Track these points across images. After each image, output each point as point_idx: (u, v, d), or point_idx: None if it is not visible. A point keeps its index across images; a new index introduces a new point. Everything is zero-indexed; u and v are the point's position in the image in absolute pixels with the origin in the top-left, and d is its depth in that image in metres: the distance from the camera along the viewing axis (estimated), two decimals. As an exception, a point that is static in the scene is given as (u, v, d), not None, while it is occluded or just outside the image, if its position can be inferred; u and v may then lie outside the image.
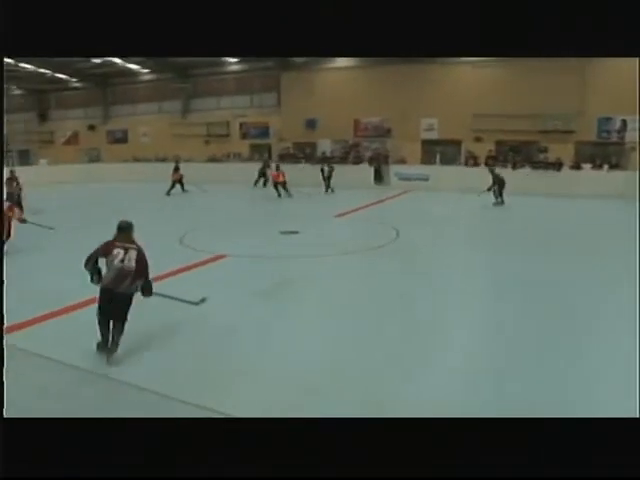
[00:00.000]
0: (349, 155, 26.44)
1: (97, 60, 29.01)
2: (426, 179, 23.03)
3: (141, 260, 6.02)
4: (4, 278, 3.13)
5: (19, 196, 16.13)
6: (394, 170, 23.50)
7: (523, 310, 7.42)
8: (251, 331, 7.07)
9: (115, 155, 32.22)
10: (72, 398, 4.91)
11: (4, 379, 2.48)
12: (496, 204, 18.18)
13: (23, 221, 11.91)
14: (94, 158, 34.22)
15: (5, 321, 2.96)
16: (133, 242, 6.13)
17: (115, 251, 5.94)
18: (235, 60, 29.66)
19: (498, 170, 18.88)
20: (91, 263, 5.95)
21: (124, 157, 31.26)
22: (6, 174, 16.71)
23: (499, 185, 18.15)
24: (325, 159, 25.89)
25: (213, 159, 29.63)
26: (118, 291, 5.83)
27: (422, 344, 6.48)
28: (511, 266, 9.93)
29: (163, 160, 30.29)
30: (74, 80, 35.40)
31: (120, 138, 34.98)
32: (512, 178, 20.34)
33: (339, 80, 27.00)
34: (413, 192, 21.59)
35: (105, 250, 5.98)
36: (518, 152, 23.13)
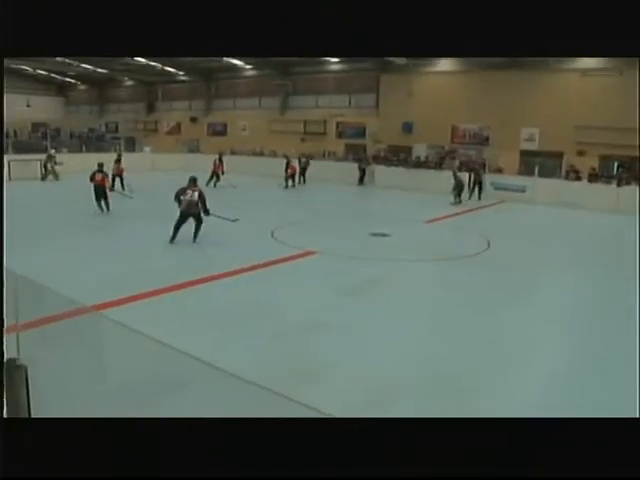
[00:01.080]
0: (444, 161, 26.06)
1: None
2: (523, 190, 22.33)
3: (201, 196, 12.03)
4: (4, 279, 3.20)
5: (121, 175, 20.89)
6: (490, 179, 22.94)
7: (611, 337, 7.10)
8: (337, 327, 7.18)
9: (214, 147, 33.24)
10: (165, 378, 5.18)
11: (4, 379, 2.49)
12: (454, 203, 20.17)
13: (111, 189, 17.25)
14: (194, 148, 35.47)
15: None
16: (197, 187, 12.17)
17: (187, 192, 11.98)
18: (336, 60, 29.88)
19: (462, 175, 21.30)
20: (176, 198, 12.06)
21: (222, 149, 32.21)
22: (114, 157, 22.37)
23: (458, 187, 20.68)
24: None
25: (308, 157, 30.00)
26: (189, 212, 11.98)
27: (502, 357, 6.37)
28: (608, 290, 9.50)
29: (260, 154, 31.02)
30: (181, 73, 36.85)
31: (220, 131, 36.09)
32: (615, 195, 19.39)
33: (439, 84, 26.64)
34: (508, 203, 21.01)
35: (182, 192, 12.05)
36: (627, 168, 21.95)
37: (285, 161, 25.23)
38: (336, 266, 10.49)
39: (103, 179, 16.57)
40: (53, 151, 27.12)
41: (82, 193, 16.62)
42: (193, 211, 11.90)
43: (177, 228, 11.86)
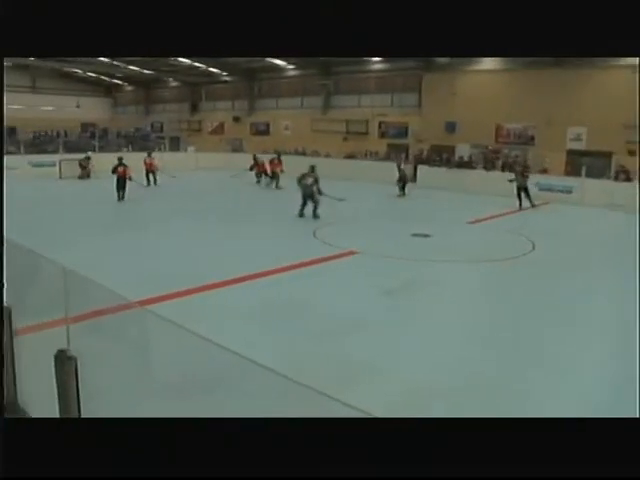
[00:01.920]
0: (487, 161, 25.68)
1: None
2: (570, 191, 21.83)
3: (316, 180, 15.28)
4: (4, 280, 3.21)
5: (151, 170, 23.93)
6: (535, 180, 22.48)
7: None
8: (376, 327, 7.18)
9: (256, 146, 33.53)
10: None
11: (4, 379, 2.49)
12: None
13: (129, 178, 19.23)
14: (237, 148, 35.86)
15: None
16: (314, 174, 15.44)
17: (308, 177, 15.30)
18: (378, 59, 29.78)
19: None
20: (298, 183, 15.43)
21: (265, 148, 32.46)
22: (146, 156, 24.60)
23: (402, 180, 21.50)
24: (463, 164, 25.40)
25: (351, 156, 29.99)
26: (306, 193, 15.24)
27: (542, 362, 6.26)
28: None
29: (302, 154, 31.15)
30: (224, 74, 37.29)
31: (262, 130, 36.38)
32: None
33: (482, 83, 26.27)
34: (554, 204, 20.57)
35: (302, 178, 15.40)
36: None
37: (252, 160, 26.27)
38: (377, 266, 10.46)
39: (124, 171, 19.25)
40: (90, 153, 28.65)
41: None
42: (309, 192, 15.31)
43: (303, 206, 15.47)
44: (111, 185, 19.13)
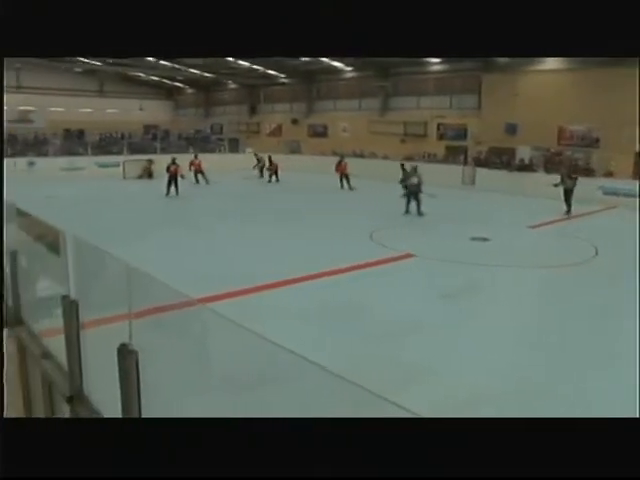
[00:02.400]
0: (548, 164, 25.01)
1: (305, 57, 30.61)
2: (637, 195, 21.02)
3: (419, 180, 16.68)
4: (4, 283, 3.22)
5: (199, 170, 25.77)
6: (599, 183, 21.75)
7: None
8: (432, 330, 7.11)
9: (314, 148, 33.75)
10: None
11: (4, 379, 2.50)
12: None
13: (182, 176, 21.77)
14: (294, 149, 36.17)
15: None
16: (417, 174, 16.92)
17: (413, 177, 16.74)
18: (437, 60, 29.46)
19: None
20: (402, 182, 17.11)
21: (322, 150, 32.61)
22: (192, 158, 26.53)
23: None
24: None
25: (409, 158, 29.74)
26: (412, 191, 16.64)
27: (598, 368, 6.05)
28: None
29: (360, 156, 31.14)
30: (282, 76, 37.67)
31: (320, 132, 36.55)
32: None
33: (545, 83, 25.59)
34: (620, 208, 19.84)
35: (406, 177, 17.01)
36: None
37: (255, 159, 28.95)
38: (434, 270, 10.36)
39: (176, 169, 21.65)
40: (151, 157, 30.19)
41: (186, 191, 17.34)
42: (414, 190, 16.77)
43: (408, 203, 16.94)
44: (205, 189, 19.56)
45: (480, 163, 26.39)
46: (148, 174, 28.30)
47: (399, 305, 8.10)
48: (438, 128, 30.16)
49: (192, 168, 25.62)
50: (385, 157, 30.00)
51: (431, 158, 29.27)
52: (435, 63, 29.93)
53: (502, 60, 25.43)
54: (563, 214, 17.92)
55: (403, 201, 16.99)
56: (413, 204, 16.93)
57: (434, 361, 6.11)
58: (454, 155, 28.28)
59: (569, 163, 23.30)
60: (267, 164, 28.23)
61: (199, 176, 25.61)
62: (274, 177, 27.29)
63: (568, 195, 18.39)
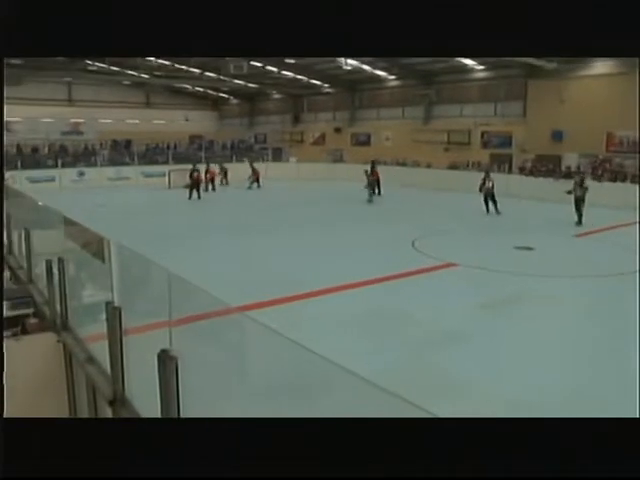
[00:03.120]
0: (597, 171, 24.38)
1: (348, 67, 30.72)
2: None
3: (493, 184, 19.32)
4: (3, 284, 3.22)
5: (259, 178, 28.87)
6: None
7: None
8: (475, 341, 7.00)
9: (357, 157, 33.76)
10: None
11: (4, 379, 2.49)
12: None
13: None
14: (337, 158, 36.25)
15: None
16: (491, 178, 19.44)
17: (488, 182, 19.36)
18: (481, 67, 29.18)
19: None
20: (480, 188, 19.70)
21: (365, 159, 32.60)
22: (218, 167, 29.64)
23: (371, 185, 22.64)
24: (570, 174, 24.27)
25: (452, 167, 29.45)
26: (487, 194, 19.31)
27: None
28: None
29: (403, 164, 31.01)
30: (325, 85, 37.86)
31: (363, 141, 36.54)
32: None
33: (593, 88, 24.99)
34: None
35: (483, 182, 19.43)
36: None
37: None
38: (477, 279, 10.22)
39: (199, 176, 24.82)
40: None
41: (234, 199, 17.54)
42: (489, 193, 19.26)
43: (487, 205, 19.46)
44: (216, 195, 19.90)
45: (525, 171, 25.94)
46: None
47: (441, 315, 8.02)
48: (482, 136, 29.78)
49: (208, 176, 27.37)
50: (428, 166, 29.79)
51: (475, 167, 28.91)
52: (479, 70, 29.65)
53: (548, 66, 24.98)
54: (575, 225, 17.04)
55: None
56: (491, 205, 19.32)
57: (474, 372, 6.01)
58: (498, 163, 27.87)
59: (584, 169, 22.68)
60: (368, 172, 24.88)
61: (210, 184, 27.42)
62: (377, 189, 24.39)
63: (579, 204, 17.45)
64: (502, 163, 27.64)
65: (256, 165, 30.44)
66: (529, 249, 12.98)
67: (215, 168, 29.14)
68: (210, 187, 27.41)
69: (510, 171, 26.66)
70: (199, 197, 24.24)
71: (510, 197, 21.54)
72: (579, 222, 17.22)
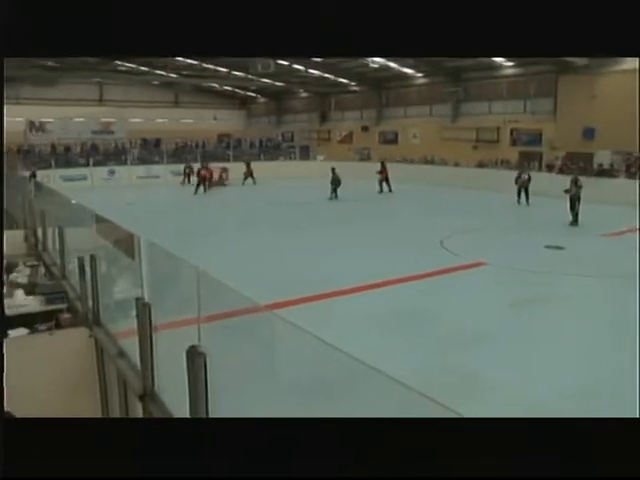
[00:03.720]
0: (631, 168, 23.91)
1: (375, 65, 30.62)
2: None
3: (529, 177, 21.55)
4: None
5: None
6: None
7: None
8: (503, 342, 6.94)
9: (384, 155, 33.62)
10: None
11: (4, 380, 2.50)
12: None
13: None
14: (364, 157, 36.17)
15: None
16: (525, 172, 21.84)
17: (521, 174, 21.40)
18: (510, 64, 28.82)
19: None
20: (516, 181, 21.42)
21: (392, 157, 32.48)
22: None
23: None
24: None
25: (481, 165, 29.14)
26: (522, 187, 21.30)
27: None
28: None
29: (431, 162, 30.80)
30: (353, 84, 37.79)
31: (391, 139, 36.40)
32: None
33: (624, 84, 24.41)
34: None
35: (518, 175, 21.67)
36: None
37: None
38: (507, 279, 10.12)
39: (205, 173, 26.28)
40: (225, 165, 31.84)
41: (256, 197, 17.62)
42: (525, 185, 20.86)
43: (519, 195, 21.22)
44: (243, 192, 19.99)
45: (555, 169, 25.55)
46: (222, 182, 29.21)
47: (469, 315, 7.96)
48: (511, 133, 29.43)
49: (204, 173, 27.04)
50: (456, 164, 29.55)
51: (504, 165, 28.58)
52: (507, 67, 29.30)
53: (579, 61, 24.56)
54: (569, 225, 16.71)
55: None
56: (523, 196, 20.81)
57: (500, 373, 5.96)
58: (528, 161, 27.49)
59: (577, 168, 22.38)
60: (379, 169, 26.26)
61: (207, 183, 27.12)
62: (385, 185, 25.33)
63: (574, 203, 17.09)
64: (531, 161, 27.27)
65: (284, 163, 31.01)
66: (560, 248, 12.80)
67: (214, 168, 28.85)
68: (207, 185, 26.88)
69: (540, 169, 26.29)
70: (205, 191, 25.50)
71: (540, 195, 21.27)
72: (574, 222, 16.83)
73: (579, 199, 17.26)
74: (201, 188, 25.80)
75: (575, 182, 17.77)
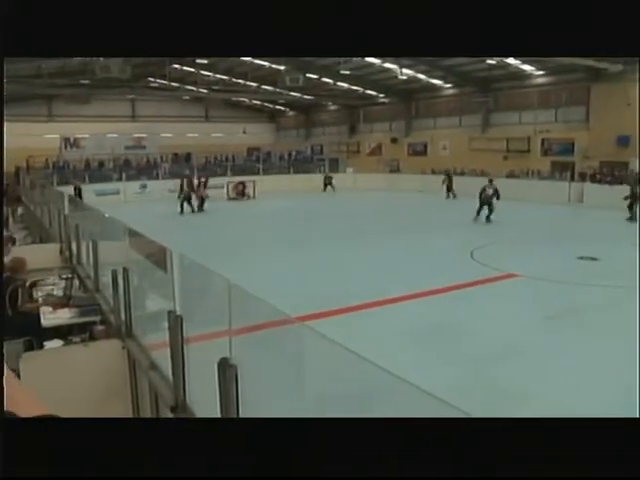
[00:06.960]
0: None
1: (403, 76, 30.62)
2: None
3: (495, 190, 18.79)
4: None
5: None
6: None
7: None
8: (534, 356, 6.82)
9: (413, 166, 33.54)
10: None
11: (4, 380, 2.51)
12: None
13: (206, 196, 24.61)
14: (394, 168, 36.12)
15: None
16: (493, 184, 19.20)
17: (488, 189, 18.33)
18: (540, 73, 28.56)
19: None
20: (480, 195, 18.65)
21: (422, 169, 32.35)
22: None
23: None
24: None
25: (511, 175, 28.78)
26: (484, 202, 18.52)
27: None
28: None
29: (461, 174, 30.58)
30: (381, 96, 37.84)
31: (420, 151, 36.29)
32: None
33: (662, 91, 24.03)
34: None
35: (482, 190, 18.61)
36: None
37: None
38: (539, 291, 9.95)
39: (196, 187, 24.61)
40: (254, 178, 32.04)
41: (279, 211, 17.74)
42: (488, 201, 18.72)
43: (478, 213, 19.01)
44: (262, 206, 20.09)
45: (589, 178, 25.13)
46: (250, 195, 29.46)
47: (500, 327, 7.85)
48: (542, 143, 29.07)
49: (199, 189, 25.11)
50: (486, 175, 29.30)
51: (535, 175, 28.20)
52: (538, 76, 29.01)
53: (613, 68, 24.21)
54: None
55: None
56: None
57: (530, 388, 5.85)
58: (560, 171, 27.09)
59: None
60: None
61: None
62: (451, 194, 27.83)
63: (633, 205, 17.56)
64: (564, 171, 26.86)
65: (313, 176, 31.81)
66: (593, 259, 12.56)
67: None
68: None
69: (573, 179, 25.88)
70: (198, 209, 23.95)
71: (572, 206, 20.95)
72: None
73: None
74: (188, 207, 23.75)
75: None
